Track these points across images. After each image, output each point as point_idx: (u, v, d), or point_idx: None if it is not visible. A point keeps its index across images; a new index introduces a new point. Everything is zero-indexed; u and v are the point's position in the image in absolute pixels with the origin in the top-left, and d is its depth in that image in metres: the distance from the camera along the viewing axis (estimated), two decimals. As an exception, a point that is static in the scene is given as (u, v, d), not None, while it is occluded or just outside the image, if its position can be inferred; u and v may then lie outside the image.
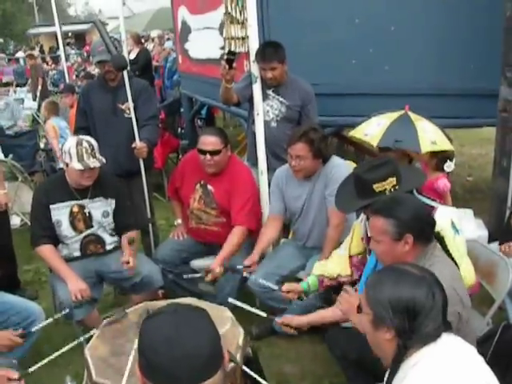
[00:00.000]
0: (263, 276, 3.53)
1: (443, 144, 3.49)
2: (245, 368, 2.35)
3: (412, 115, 3.62)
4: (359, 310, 1.82)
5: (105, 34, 3.79)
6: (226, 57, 3.69)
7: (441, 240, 2.39)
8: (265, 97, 4.04)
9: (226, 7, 4.92)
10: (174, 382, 1.29)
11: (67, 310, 3.22)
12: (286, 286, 3.08)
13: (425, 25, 4.28)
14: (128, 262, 3.43)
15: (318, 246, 3.51)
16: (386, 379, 1.73)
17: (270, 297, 3.54)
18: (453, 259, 2.37)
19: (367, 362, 2.35)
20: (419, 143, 3.36)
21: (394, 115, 3.64)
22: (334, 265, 3.04)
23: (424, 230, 2.32)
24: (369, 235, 2.41)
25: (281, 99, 4.11)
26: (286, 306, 3.54)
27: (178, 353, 1.29)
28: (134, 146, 3.95)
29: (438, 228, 2.60)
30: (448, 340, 1.69)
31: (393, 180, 2.66)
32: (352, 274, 2.98)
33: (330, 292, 3.20)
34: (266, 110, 4.11)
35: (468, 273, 2.66)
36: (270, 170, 3.86)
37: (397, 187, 2.68)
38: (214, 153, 3.66)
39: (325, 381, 3.29)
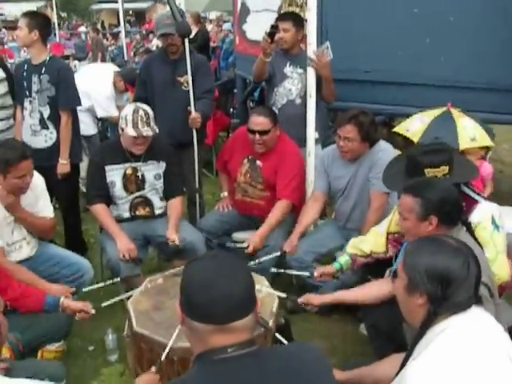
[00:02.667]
0: (302, 253, 3.64)
1: (483, 140, 3.54)
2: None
3: (454, 112, 3.66)
4: (395, 275, 1.91)
5: (172, 1, 3.90)
6: (268, 30, 3.79)
7: (468, 227, 2.45)
8: (283, 77, 4.22)
9: (286, -11, 5.00)
10: (209, 318, 1.43)
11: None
12: (318, 271, 3.19)
13: (485, 18, 4.21)
14: (173, 241, 3.56)
15: (358, 228, 3.57)
16: (410, 343, 1.81)
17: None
18: (480, 246, 2.43)
19: (397, 335, 2.43)
20: (458, 140, 3.44)
21: (437, 112, 3.72)
22: (369, 241, 3.10)
23: (450, 214, 2.40)
24: (398, 211, 2.53)
25: (300, 71, 4.18)
26: (322, 283, 3.63)
27: (214, 292, 1.43)
28: (190, 114, 4.07)
29: (475, 221, 2.67)
30: (477, 312, 1.75)
31: (445, 168, 2.70)
32: (387, 251, 3.05)
33: (366, 271, 3.27)
34: (288, 88, 4.24)
35: (502, 270, 2.68)
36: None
37: (448, 176, 2.72)
38: (263, 133, 3.77)
39: (353, 359, 3.37)
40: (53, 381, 2.48)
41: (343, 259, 3.17)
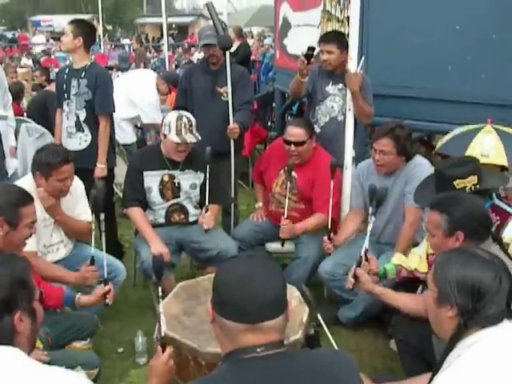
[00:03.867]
0: (332, 265, 3.62)
1: (496, 158, 3.43)
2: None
3: (488, 127, 3.62)
4: (425, 286, 1.90)
5: (214, 15, 3.97)
6: (305, 52, 3.81)
7: (500, 243, 2.42)
8: (325, 96, 4.19)
9: (325, 5, 5.00)
10: (240, 316, 1.44)
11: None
12: (366, 266, 3.02)
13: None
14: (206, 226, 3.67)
15: (392, 243, 3.55)
16: (440, 356, 1.78)
17: (339, 286, 3.62)
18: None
19: (426, 351, 2.41)
20: (465, 153, 3.42)
21: (473, 127, 3.70)
22: (413, 260, 3.05)
23: (477, 230, 2.38)
24: (426, 228, 2.56)
25: (340, 86, 4.13)
26: (353, 297, 3.61)
27: (247, 291, 1.44)
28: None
29: (507, 237, 2.64)
30: (509, 326, 1.71)
31: (474, 178, 2.71)
32: (428, 272, 3.00)
33: (398, 287, 3.23)
34: (330, 106, 4.21)
35: None
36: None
37: (477, 186, 2.71)
38: (298, 144, 3.81)
39: (382, 375, 3.32)
40: (86, 369, 2.53)
41: (389, 266, 3.08)
